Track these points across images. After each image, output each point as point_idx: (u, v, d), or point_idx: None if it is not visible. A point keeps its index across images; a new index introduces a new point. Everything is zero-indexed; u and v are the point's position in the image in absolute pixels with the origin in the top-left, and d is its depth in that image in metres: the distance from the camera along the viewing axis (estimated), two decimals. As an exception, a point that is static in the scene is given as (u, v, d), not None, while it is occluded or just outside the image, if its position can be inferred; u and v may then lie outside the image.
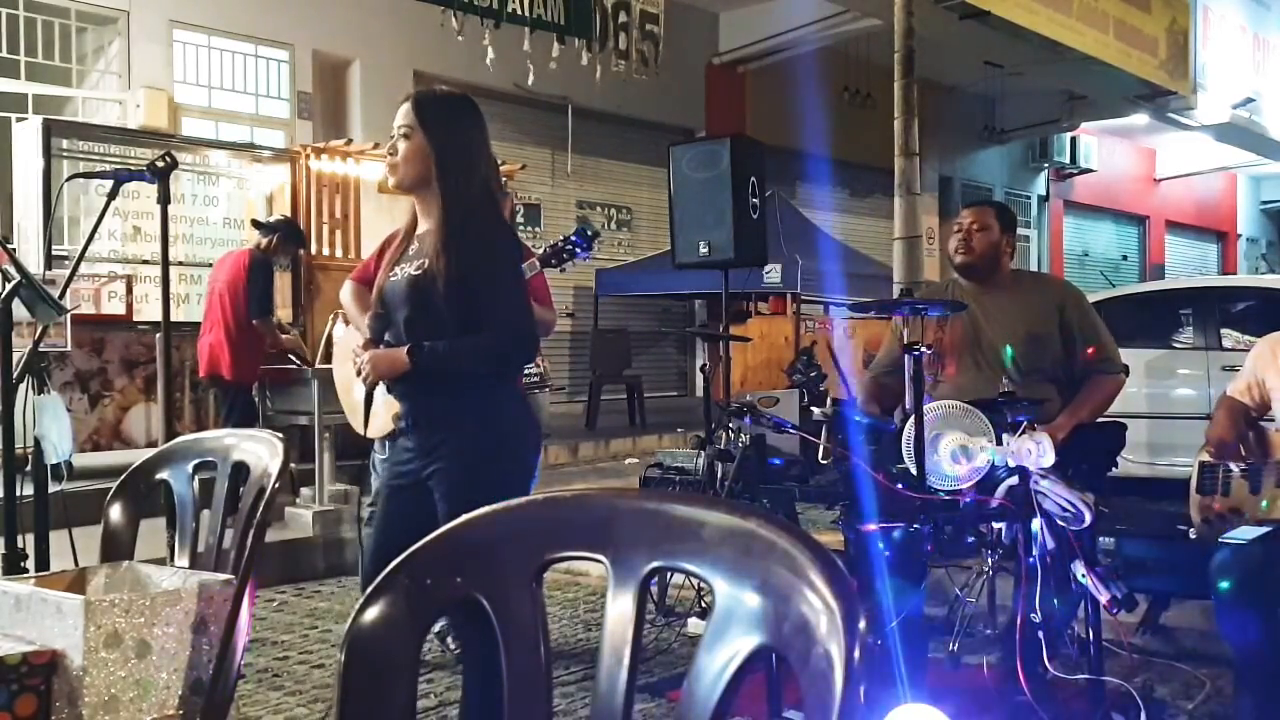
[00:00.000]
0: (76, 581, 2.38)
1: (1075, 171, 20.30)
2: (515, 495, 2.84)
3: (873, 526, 2.91)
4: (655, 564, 1.03)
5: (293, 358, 6.60)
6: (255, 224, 6.75)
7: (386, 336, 2.84)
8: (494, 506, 1.16)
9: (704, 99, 14.68)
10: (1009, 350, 3.71)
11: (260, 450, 2.30)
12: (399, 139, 2.77)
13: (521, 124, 12.92)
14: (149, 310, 7.19)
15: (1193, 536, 3.69)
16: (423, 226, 2.84)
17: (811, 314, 12.69)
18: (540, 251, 4.22)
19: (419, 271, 2.75)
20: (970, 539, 3.02)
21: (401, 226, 2.94)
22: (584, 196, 13.98)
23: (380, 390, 2.86)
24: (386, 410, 2.91)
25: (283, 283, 7.77)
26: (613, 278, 13.06)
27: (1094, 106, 17.12)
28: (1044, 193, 20.38)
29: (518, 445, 2.85)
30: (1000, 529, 3.01)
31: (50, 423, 3.58)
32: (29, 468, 3.54)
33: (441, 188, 2.76)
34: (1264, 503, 3.47)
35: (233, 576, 2.22)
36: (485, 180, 2.87)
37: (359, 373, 2.82)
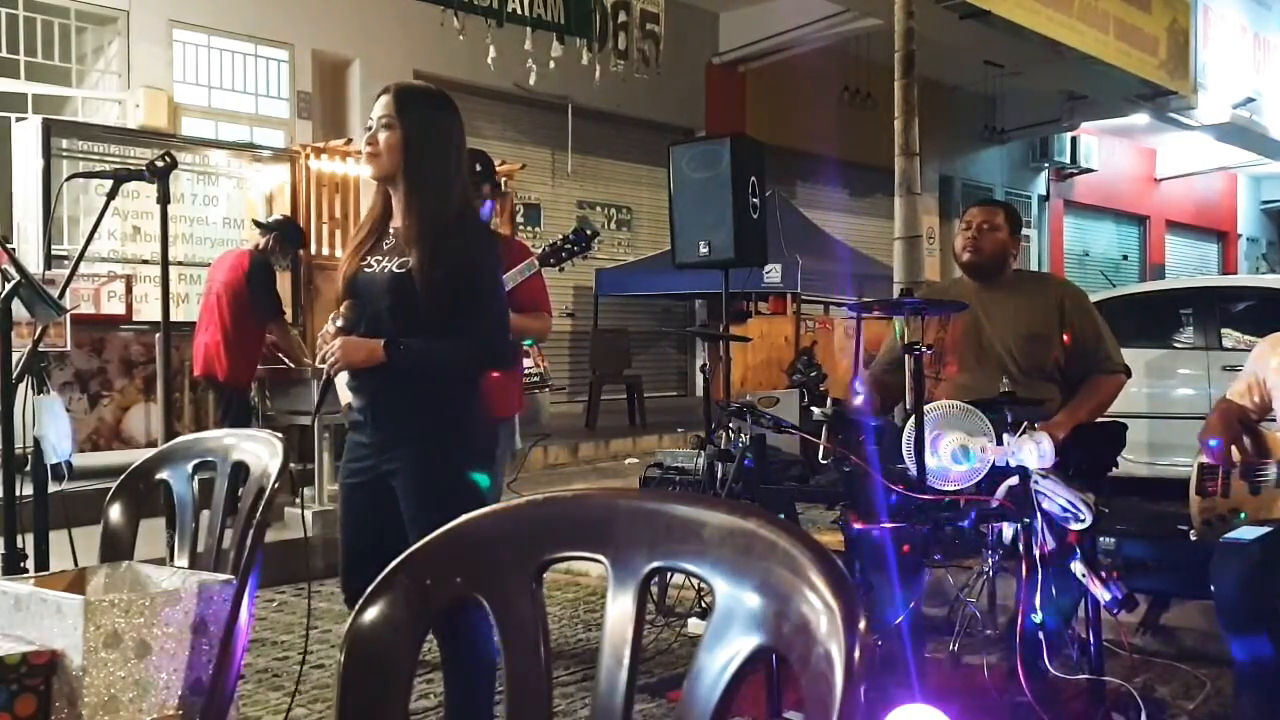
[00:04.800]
0: (76, 581, 2.38)
1: (1075, 171, 20.31)
2: (483, 490, 2.86)
3: (873, 526, 2.91)
4: (655, 564, 1.03)
5: (286, 360, 6.60)
6: (256, 224, 6.76)
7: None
8: (494, 506, 1.16)
9: (704, 99, 14.68)
10: (1009, 336, 3.71)
11: (260, 450, 2.30)
12: (380, 129, 2.76)
13: (521, 124, 12.93)
14: (148, 310, 7.19)
15: (1193, 538, 3.69)
16: (399, 221, 2.83)
17: (811, 314, 12.69)
18: (539, 251, 4.22)
19: (403, 270, 2.74)
20: (970, 539, 3.02)
21: (369, 212, 2.92)
22: (584, 196, 13.98)
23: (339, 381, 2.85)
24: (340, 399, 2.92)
25: (283, 282, 7.76)
26: (613, 278, 13.06)
27: (1094, 106, 17.13)
28: (1044, 193, 20.38)
29: (480, 440, 2.86)
30: (1000, 529, 3.01)
31: (50, 423, 3.58)
32: (29, 468, 3.54)
33: (414, 182, 2.75)
34: (1241, 515, 3.47)
35: (233, 576, 2.22)
36: (462, 179, 2.87)
37: (322, 358, 2.79)
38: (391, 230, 2.84)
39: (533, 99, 12.28)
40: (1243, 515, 3.45)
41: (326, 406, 2.96)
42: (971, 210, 4.02)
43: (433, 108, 2.83)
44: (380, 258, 2.80)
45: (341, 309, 2.82)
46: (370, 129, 2.79)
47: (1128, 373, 3.85)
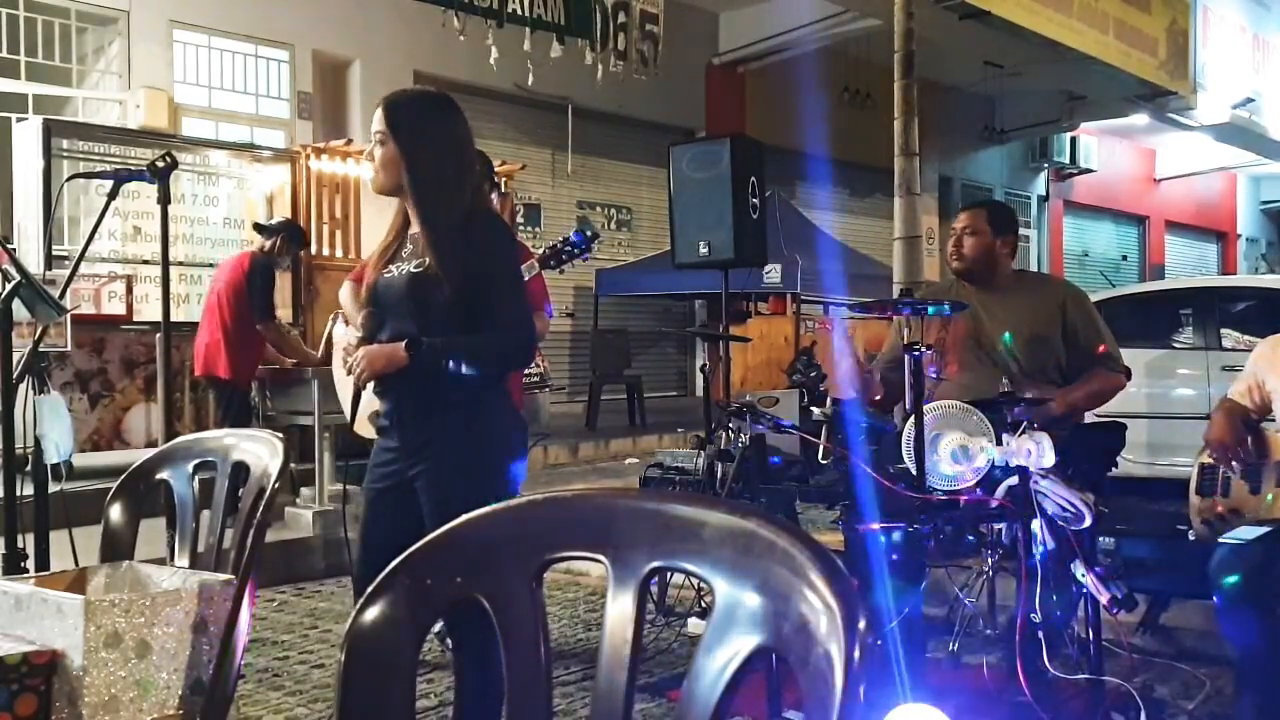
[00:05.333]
0: (76, 581, 2.38)
1: (1075, 171, 20.31)
2: (503, 495, 2.86)
3: (873, 526, 2.91)
4: (655, 564, 1.03)
5: (281, 359, 6.59)
6: (257, 227, 6.76)
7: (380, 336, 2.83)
8: (494, 506, 1.16)
9: (704, 99, 14.68)
10: (1008, 337, 3.70)
11: (260, 450, 2.30)
12: (375, 145, 2.77)
13: (521, 124, 12.93)
14: (149, 310, 7.19)
15: (1192, 538, 3.69)
16: (415, 227, 2.84)
17: (811, 314, 12.69)
18: (539, 253, 4.22)
19: (420, 269, 2.74)
20: (970, 539, 3.02)
21: (391, 224, 2.93)
22: (584, 196, 13.98)
23: (367, 390, 2.85)
24: (369, 410, 2.91)
25: (283, 283, 7.76)
26: (613, 278, 13.06)
27: (1094, 106, 17.13)
28: (1044, 193, 20.38)
29: (504, 445, 2.83)
30: (1000, 529, 3.01)
31: (50, 422, 3.58)
32: (29, 468, 3.54)
33: (412, 193, 2.74)
34: (1269, 496, 3.48)
35: (233, 576, 2.22)
36: (471, 175, 2.85)
37: (349, 370, 2.79)
38: (410, 237, 2.85)
39: (533, 99, 12.28)
40: (1270, 498, 3.44)
41: (327, 407, 2.95)
42: (957, 216, 4.02)
43: (425, 112, 2.80)
44: (400, 264, 2.81)
45: (359, 319, 2.83)
46: (370, 144, 2.80)
47: (1128, 375, 3.85)
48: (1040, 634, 2.92)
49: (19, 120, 7.88)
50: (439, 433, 2.75)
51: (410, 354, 2.69)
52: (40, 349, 3.51)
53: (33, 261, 6.42)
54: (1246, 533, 3.27)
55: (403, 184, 2.75)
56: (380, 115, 2.76)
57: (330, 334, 5.41)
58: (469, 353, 2.74)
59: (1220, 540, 3.28)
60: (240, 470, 2.32)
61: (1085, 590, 3.04)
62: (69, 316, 4.48)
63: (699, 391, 10.17)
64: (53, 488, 3.60)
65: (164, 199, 3.51)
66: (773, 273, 11.03)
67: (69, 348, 5.28)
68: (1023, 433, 2.99)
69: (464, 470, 2.72)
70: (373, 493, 2.87)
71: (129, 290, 7.31)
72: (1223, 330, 7.74)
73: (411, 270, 2.75)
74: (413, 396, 2.77)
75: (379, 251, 2.89)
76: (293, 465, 5.46)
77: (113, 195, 3.42)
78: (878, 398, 3.82)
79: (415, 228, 2.84)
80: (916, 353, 3.05)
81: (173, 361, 4.94)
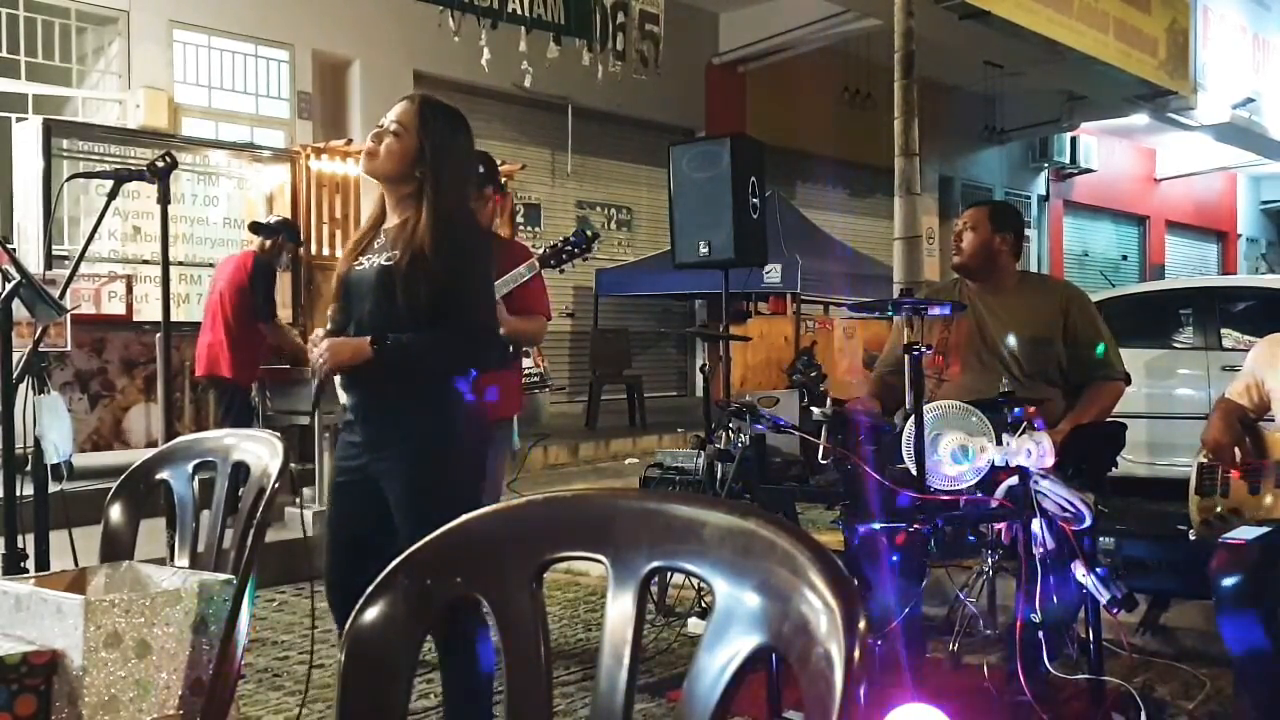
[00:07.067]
0: (76, 581, 2.38)
1: (1075, 171, 20.30)
2: (470, 490, 2.90)
3: (873, 526, 2.91)
4: (655, 564, 1.03)
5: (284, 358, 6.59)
6: (254, 227, 6.75)
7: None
8: (494, 506, 1.16)
9: (704, 99, 14.67)
10: (1012, 338, 3.70)
11: (260, 450, 2.30)
12: (389, 133, 2.80)
13: (521, 124, 12.93)
14: (149, 310, 7.19)
15: (1193, 538, 3.69)
16: (391, 221, 2.87)
17: (811, 314, 12.69)
18: (539, 252, 4.21)
19: (390, 262, 2.76)
20: (970, 539, 3.02)
21: (370, 216, 2.97)
22: (584, 196, 13.98)
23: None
24: None
25: (283, 283, 7.76)
26: (613, 278, 13.06)
27: (1094, 106, 17.13)
28: (1044, 193, 20.38)
29: (469, 439, 2.85)
30: (1000, 529, 3.01)
31: (50, 423, 3.58)
32: (29, 468, 3.54)
33: (433, 195, 2.78)
34: (1268, 497, 3.47)
35: (233, 576, 2.22)
36: (469, 191, 3.02)
37: (311, 361, 2.83)
38: (383, 231, 2.88)
39: (533, 99, 12.28)
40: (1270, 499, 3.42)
41: (325, 406, 2.96)
42: (962, 215, 4.05)
43: (454, 123, 2.88)
44: (372, 256, 2.85)
45: (329, 311, 2.87)
46: (380, 127, 2.82)
47: (1128, 380, 3.84)
48: (1040, 634, 2.92)
49: (19, 120, 7.89)
50: (402, 427, 2.77)
51: (375, 349, 2.72)
52: (40, 349, 3.52)
53: (33, 261, 6.42)
54: (1246, 533, 3.26)
55: (406, 177, 2.79)
56: (411, 110, 2.81)
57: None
58: (433, 350, 2.77)
59: (1220, 541, 3.28)
60: (240, 470, 2.32)
61: (1085, 590, 3.04)
62: (69, 316, 4.48)
63: (699, 391, 10.17)
64: (53, 488, 3.60)
65: (164, 199, 3.52)
66: (773, 273, 11.03)
67: (69, 348, 5.28)
68: (1023, 433, 2.99)
69: (428, 463, 2.74)
70: (337, 487, 2.90)
71: (129, 290, 7.30)
72: (1223, 330, 7.74)
73: (381, 263, 2.78)
74: (376, 390, 2.79)
75: (353, 243, 2.95)
76: (293, 465, 5.46)
77: (113, 195, 3.42)
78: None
79: (391, 221, 2.87)
80: (916, 353, 3.05)
81: (173, 361, 4.94)
